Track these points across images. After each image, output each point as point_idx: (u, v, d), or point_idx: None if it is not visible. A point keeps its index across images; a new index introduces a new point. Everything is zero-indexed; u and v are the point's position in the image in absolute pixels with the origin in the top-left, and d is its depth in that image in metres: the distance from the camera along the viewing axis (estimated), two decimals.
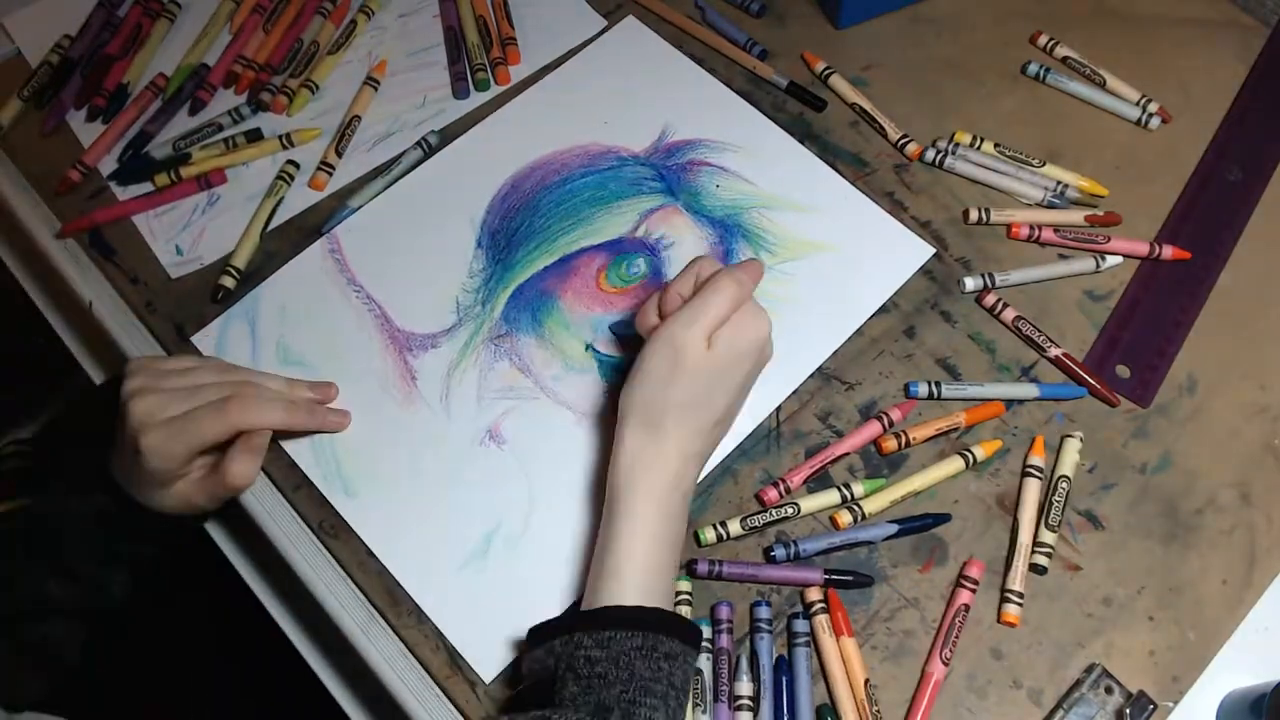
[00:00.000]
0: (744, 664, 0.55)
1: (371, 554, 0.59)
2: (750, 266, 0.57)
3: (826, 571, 0.57)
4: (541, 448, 0.61)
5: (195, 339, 0.65)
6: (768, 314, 0.55)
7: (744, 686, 0.54)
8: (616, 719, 0.46)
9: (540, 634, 0.51)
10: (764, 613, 0.56)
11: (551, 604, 0.57)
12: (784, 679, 0.54)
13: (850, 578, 0.57)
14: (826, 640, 0.55)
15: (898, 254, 0.67)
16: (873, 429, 0.61)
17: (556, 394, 0.63)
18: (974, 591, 0.56)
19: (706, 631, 0.55)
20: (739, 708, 0.54)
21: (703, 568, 0.57)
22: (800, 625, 0.56)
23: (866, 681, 0.54)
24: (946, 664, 0.55)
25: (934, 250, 0.67)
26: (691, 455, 0.54)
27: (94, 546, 0.59)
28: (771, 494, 0.59)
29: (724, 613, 0.56)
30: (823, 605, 0.56)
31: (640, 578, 0.51)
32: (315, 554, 0.59)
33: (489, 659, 0.56)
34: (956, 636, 0.55)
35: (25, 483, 0.62)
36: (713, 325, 0.53)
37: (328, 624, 0.58)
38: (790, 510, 0.59)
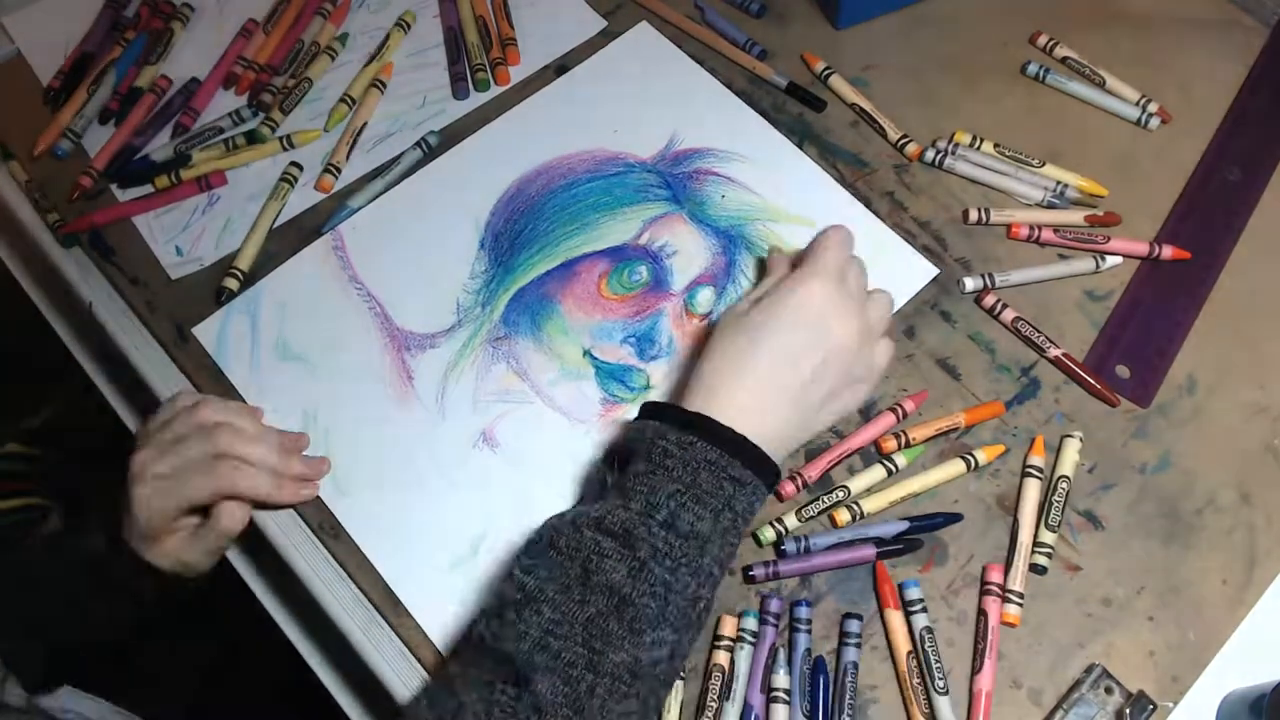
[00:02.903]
0: (781, 657, 0.55)
1: None
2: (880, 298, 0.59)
3: (876, 544, 0.57)
4: (535, 453, 0.61)
5: (196, 330, 0.66)
6: (891, 344, 0.57)
7: (781, 679, 0.54)
8: (662, 516, 0.48)
9: (648, 410, 0.54)
10: (804, 612, 0.56)
11: None
12: (821, 677, 0.55)
13: (901, 546, 0.58)
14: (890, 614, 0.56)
15: (901, 272, 0.67)
16: (887, 420, 0.61)
17: (552, 399, 0.63)
18: (1001, 599, 0.56)
19: (753, 623, 0.56)
20: (774, 700, 0.54)
21: (759, 572, 0.57)
22: (852, 625, 0.56)
23: (909, 653, 0.55)
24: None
25: (937, 271, 0.67)
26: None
27: (89, 586, 0.58)
28: (789, 488, 0.60)
29: (774, 605, 0.56)
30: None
31: (740, 416, 0.52)
32: (315, 554, 0.59)
33: None
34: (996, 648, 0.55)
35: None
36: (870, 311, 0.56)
37: (328, 624, 0.58)
38: (841, 494, 0.59)
